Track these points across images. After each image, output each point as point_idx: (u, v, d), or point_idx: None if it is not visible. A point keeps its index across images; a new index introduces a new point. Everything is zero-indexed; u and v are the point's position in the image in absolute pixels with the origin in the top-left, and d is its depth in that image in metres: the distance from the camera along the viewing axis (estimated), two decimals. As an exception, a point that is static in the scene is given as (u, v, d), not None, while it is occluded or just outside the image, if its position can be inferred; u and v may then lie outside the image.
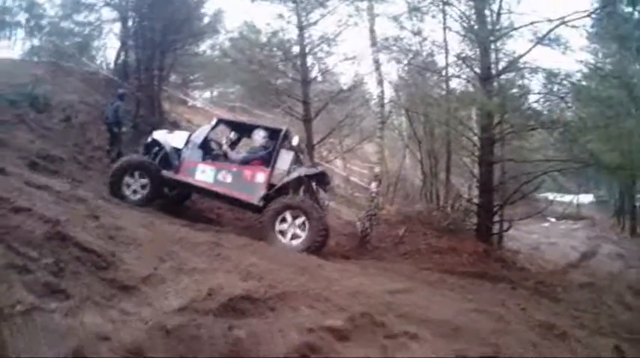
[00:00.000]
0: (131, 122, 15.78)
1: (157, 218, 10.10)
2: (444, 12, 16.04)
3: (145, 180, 11.59)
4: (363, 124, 22.16)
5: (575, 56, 17.93)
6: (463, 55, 15.71)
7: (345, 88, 19.94)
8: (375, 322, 5.75)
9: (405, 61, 18.45)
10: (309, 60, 18.34)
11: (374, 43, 14.86)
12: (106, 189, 11.72)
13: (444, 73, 17.52)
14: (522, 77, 15.22)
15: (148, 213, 10.58)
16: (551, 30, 14.01)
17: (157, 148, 12.25)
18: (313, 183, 11.85)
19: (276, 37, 17.97)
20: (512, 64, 15.01)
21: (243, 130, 12.90)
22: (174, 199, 12.94)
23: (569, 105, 14.72)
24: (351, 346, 5.13)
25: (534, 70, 14.49)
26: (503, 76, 15.34)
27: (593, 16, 15.17)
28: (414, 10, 15.67)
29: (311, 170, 12.33)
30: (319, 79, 20.12)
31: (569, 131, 13.98)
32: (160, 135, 12.68)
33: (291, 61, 17.90)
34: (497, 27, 14.73)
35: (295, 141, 12.06)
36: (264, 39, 19.01)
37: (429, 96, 17.01)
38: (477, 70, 15.07)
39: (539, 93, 14.91)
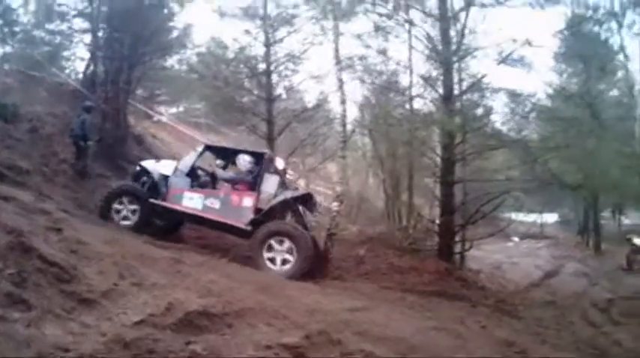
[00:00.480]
0: (96, 136, 15.69)
1: (119, 234, 10.15)
2: (409, 32, 16.21)
3: (134, 206, 11.77)
4: (326, 144, 22.13)
5: (540, 76, 18.15)
6: (427, 75, 15.89)
7: (309, 106, 20.10)
8: (332, 340, 5.78)
9: (369, 81, 18.59)
10: (274, 77, 18.52)
11: (338, 62, 14.98)
12: (70, 203, 11.77)
13: (407, 93, 17.66)
14: (484, 97, 15.45)
15: (111, 229, 10.62)
16: (514, 50, 14.26)
17: (145, 177, 12.43)
18: (299, 205, 12.04)
19: (242, 53, 18.07)
20: (475, 85, 15.22)
21: (229, 156, 12.98)
22: (164, 229, 12.85)
23: (532, 124, 14.95)
24: (306, 363, 5.19)
25: (496, 90, 14.76)
26: (465, 96, 15.53)
27: (560, 36, 15.40)
28: (378, 29, 15.80)
29: (296, 192, 12.75)
30: (284, 96, 20.23)
31: (530, 150, 14.19)
32: (148, 163, 12.92)
33: (256, 77, 18.02)
34: (462, 47, 14.90)
35: (280, 164, 12.42)
36: (231, 55, 19.10)
37: (391, 116, 17.11)
38: (440, 91, 15.24)
39: (501, 113, 15.17)
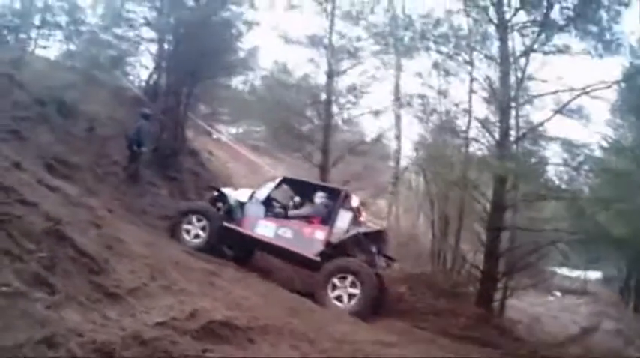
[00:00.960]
0: (152, 144, 15.91)
1: (160, 239, 10.24)
2: (470, 74, 16.09)
3: (203, 224, 11.84)
4: (379, 179, 21.99)
5: (596, 129, 17.73)
6: (483, 118, 15.74)
7: (366, 140, 19.95)
8: None
9: (427, 120, 18.47)
10: (334, 108, 18.52)
11: (397, 98, 15.01)
12: (116, 204, 11.93)
13: (462, 135, 17.50)
14: (539, 145, 15.24)
15: (152, 233, 10.72)
16: (571, 100, 14.03)
17: (221, 202, 12.58)
18: (371, 243, 11.99)
19: (305, 80, 18.20)
20: (531, 132, 15.03)
21: (305, 189, 13.14)
22: (233, 259, 12.61)
23: (582, 177, 14.65)
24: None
25: (551, 139, 14.53)
26: (520, 143, 15.32)
27: (616, 87, 15.05)
28: (437, 66, 15.75)
29: (367, 229, 12.63)
30: (342, 128, 20.29)
31: (579, 203, 13.89)
32: (226, 189, 13.18)
33: (316, 106, 18.05)
34: (520, 93, 14.75)
35: (355, 202, 12.37)
36: (293, 81, 19.25)
37: (446, 157, 16.97)
38: (496, 135, 15.07)
39: (554, 163, 14.90)
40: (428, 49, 15.39)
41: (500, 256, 14.98)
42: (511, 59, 14.69)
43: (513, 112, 15.13)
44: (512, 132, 15.05)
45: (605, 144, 15.66)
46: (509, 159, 13.94)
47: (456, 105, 17.40)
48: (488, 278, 14.68)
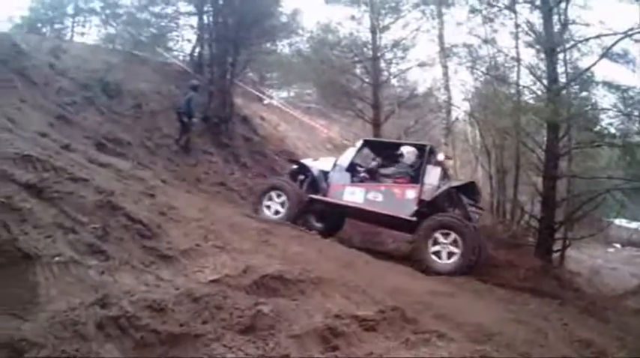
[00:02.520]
0: (202, 114, 16.12)
1: (214, 204, 10.39)
2: (515, 22, 15.80)
3: (282, 198, 11.90)
4: (432, 132, 21.83)
5: None
6: (532, 65, 15.46)
7: (415, 93, 19.81)
8: (407, 318, 5.70)
9: (477, 70, 18.23)
10: (381, 63, 18.38)
11: (442, 49, 14.83)
12: (170, 175, 12.18)
13: (513, 84, 17.24)
14: (587, 90, 14.94)
15: (207, 199, 10.88)
16: (614, 44, 13.67)
17: (303, 174, 12.66)
18: (462, 196, 11.86)
19: (348, 38, 18.12)
20: (579, 77, 14.74)
21: (387, 149, 12.85)
22: (323, 231, 12.41)
23: (635, 122, 14.32)
24: (376, 336, 5.13)
25: (599, 84, 14.22)
26: (571, 90, 15.03)
27: None
28: (474, 11, 15.50)
29: (459, 182, 12.73)
30: (391, 83, 20.18)
31: (629, 147, 13.60)
32: (306, 161, 13.31)
33: (362, 63, 17.95)
34: (564, 38, 14.44)
35: (441, 156, 12.28)
36: (337, 40, 19.18)
37: (497, 106, 16.76)
38: (544, 81, 14.80)
39: (605, 109, 14.59)
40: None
41: (557, 205, 14.80)
42: (552, 2, 14.36)
43: (561, 58, 14.90)
44: (562, 79, 14.82)
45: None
46: (558, 105, 13.69)
47: (501, 52, 17.15)
48: (546, 228, 14.51)
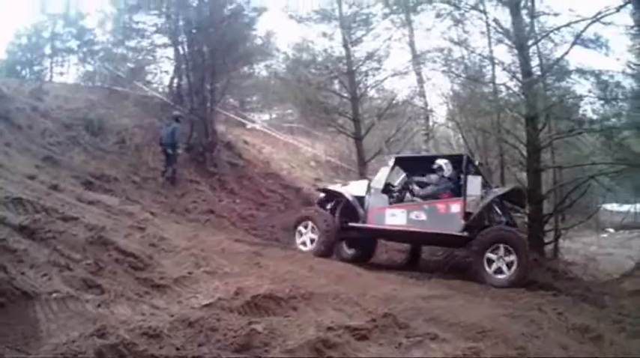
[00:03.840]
0: (185, 144, 16.25)
1: (204, 232, 10.52)
2: (486, 21, 15.97)
3: (314, 229, 11.61)
4: (414, 139, 21.92)
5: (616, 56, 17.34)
6: (509, 63, 15.64)
7: (393, 103, 19.88)
8: (399, 323, 5.81)
9: (451, 73, 18.39)
10: (357, 77, 18.56)
11: (414, 56, 15.01)
12: (160, 207, 12.29)
13: (489, 82, 17.41)
14: (562, 80, 15.09)
15: (196, 228, 11.01)
16: (584, 30, 13.84)
17: (333, 201, 12.37)
18: (505, 202, 11.69)
19: (322, 55, 18.30)
20: (551, 68, 14.92)
21: (422, 164, 12.37)
22: (354, 258, 12.34)
23: (612, 105, 14.46)
24: (369, 344, 5.23)
25: (573, 71, 14.39)
26: (545, 81, 15.18)
27: (630, 12, 14.73)
28: (439, 16, 15.67)
29: (504, 189, 12.13)
30: (368, 95, 20.43)
31: (605, 131, 13.77)
32: (334, 187, 12.91)
33: (338, 78, 18.11)
34: (534, 29, 14.64)
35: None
36: (311, 57, 19.33)
37: (477, 107, 16.89)
38: (519, 76, 14.99)
39: (578, 96, 14.76)
40: (431, 1, 15.32)
41: (543, 198, 14.95)
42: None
43: (535, 51, 15.11)
44: (538, 72, 15.01)
45: (629, 71, 15.30)
46: (533, 98, 13.85)
47: (476, 53, 17.32)
48: (535, 220, 14.63)
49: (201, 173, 16.37)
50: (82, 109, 15.84)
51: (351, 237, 12.45)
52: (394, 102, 19.88)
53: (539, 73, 14.85)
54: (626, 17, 14.45)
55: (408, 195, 11.93)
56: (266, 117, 33.56)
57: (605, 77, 13.65)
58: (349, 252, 12.80)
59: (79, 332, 4.07)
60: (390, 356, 5.12)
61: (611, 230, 29.80)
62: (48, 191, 8.65)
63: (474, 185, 11.05)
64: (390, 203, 11.61)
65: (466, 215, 10.85)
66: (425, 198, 11.41)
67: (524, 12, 14.75)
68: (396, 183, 12.51)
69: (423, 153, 14.20)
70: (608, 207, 27.86)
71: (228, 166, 18.02)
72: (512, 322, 7.15)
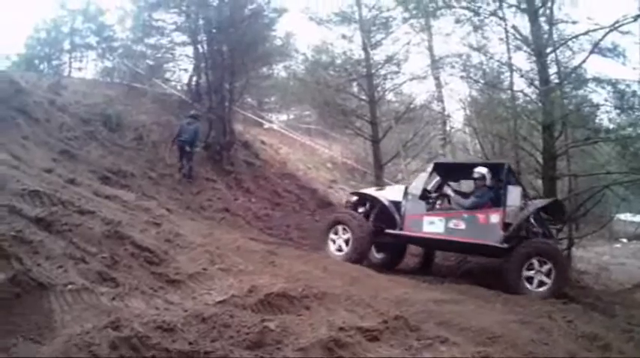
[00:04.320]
0: (203, 142, 16.32)
1: (219, 229, 10.58)
2: (505, 27, 15.95)
3: (347, 235, 11.22)
4: (432, 143, 21.84)
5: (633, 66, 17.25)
6: (527, 70, 15.60)
7: (411, 107, 19.83)
8: (410, 326, 5.83)
9: (470, 79, 18.35)
10: (376, 80, 18.55)
11: (432, 61, 15.02)
12: (175, 203, 12.37)
13: (507, 88, 17.38)
14: (580, 88, 15.04)
15: (211, 225, 11.06)
16: (602, 38, 13.79)
17: (366, 205, 11.99)
18: (547, 215, 11.73)
19: (341, 57, 18.31)
20: (569, 76, 14.87)
21: (462, 171, 12.44)
22: (383, 264, 12.22)
23: (629, 115, 14.38)
24: (380, 345, 5.27)
25: (586, 81, 14.32)
26: (562, 89, 15.13)
27: None
28: (459, 22, 15.65)
29: (544, 202, 11.88)
30: (386, 98, 20.39)
31: (623, 140, 13.71)
32: (369, 191, 12.57)
33: (357, 81, 18.11)
34: (553, 37, 14.60)
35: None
36: (330, 59, 19.30)
37: (493, 113, 16.85)
38: (537, 84, 14.96)
39: (596, 104, 14.71)
40: (450, 6, 15.31)
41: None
42: (537, 3, 14.54)
43: (553, 59, 15.08)
44: (556, 80, 14.97)
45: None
46: (550, 106, 13.82)
47: (494, 59, 17.30)
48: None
49: (218, 171, 16.43)
50: (100, 105, 15.94)
51: (381, 242, 12.05)
52: (412, 106, 19.85)
53: (556, 80, 14.83)
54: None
55: (447, 201, 11.79)
56: (284, 117, 33.64)
57: (621, 86, 13.59)
58: (378, 256, 12.51)
59: (92, 323, 4.14)
60: (400, 357, 5.15)
61: (625, 240, 29.55)
62: (65, 184, 8.74)
63: (513, 195, 10.81)
64: (427, 209, 11.29)
65: (505, 225, 10.62)
66: (466, 209, 11.06)
67: (542, 19, 14.74)
68: (429, 188, 12.13)
69: (463, 161, 13.71)
70: (622, 216, 27.57)
71: (245, 165, 18.08)
72: (522, 328, 7.11)
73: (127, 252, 5.72)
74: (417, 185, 11.47)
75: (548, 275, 10.22)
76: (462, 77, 18.16)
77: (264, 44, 20.00)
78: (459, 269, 13.22)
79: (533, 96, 15.43)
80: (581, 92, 15.20)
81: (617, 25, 13.34)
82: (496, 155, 19.19)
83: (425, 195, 11.41)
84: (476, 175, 11.27)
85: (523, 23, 14.99)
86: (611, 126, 14.58)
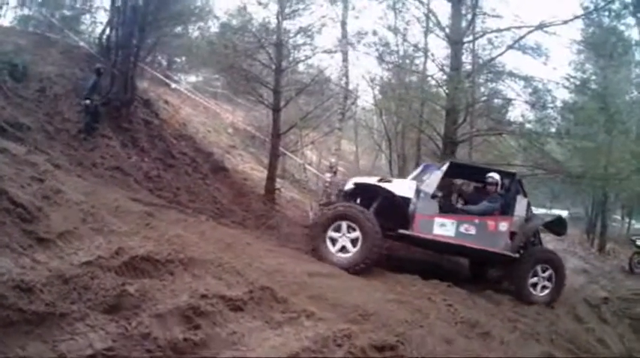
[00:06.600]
0: (104, 98, 15.97)
1: (104, 188, 10.46)
2: (424, 12, 16.27)
3: (356, 233, 10.01)
4: (332, 118, 21.85)
5: (557, 67, 17.85)
6: (437, 56, 15.95)
7: (316, 79, 19.99)
8: (277, 297, 5.97)
9: (380, 58, 18.53)
10: (286, 50, 18.54)
11: (344, 36, 15.16)
12: (67, 159, 12.12)
13: (419, 72, 17.70)
14: (493, 81, 15.48)
15: (97, 183, 10.87)
16: (524, 36, 14.25)
17: (362, 196, 11.11)
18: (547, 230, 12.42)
19: (251, 24, 18.15)
20: (483, 67, 15.26)
21: (475, 174, 12.38)
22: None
23: (538, 112, 14.86)
24: (242, 316, 5.39)
25: (500, 74, 14.77)
26: (475, 79, 15.51)
27: (580, 27, 15.24)
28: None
29: (550, 217, 12.75)
30: (297, 69, 20.53)
31: (530, 136, 14.19)
32: (370, 180, 11.37)
33: (265, 48, 18.04)
34: (474, 28, 15.02)
35: None
36: (240, 24, 19.24)
37: (401, 96, 17.09)
38: (447, 69, 15.28)
39: (505, 98, 15.17)
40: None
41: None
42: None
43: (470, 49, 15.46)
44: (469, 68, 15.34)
45: (567, 84, 15.68)
46: (456, 93, 14.14)
47: (409, 42, 17.58)
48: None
49: (115, 129, 15.93)
50: (10, 54, 15.34)
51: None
52: (317, 78, 19.97)
53: (469, 69, 15.23)
54: (572, 31, 14.98)
55: (451, 200, 12.20)
56: (192, 79, 33.12)
57: (536, 83, 14.12)
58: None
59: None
60: (261, 330, 5.27)
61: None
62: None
63: (521, 206, 11.21)
64: (441, 211, 10.91)
65: (512, 235, 10.97)
66: (478, 214, 10.98)
67: (465, 9, 15.05)
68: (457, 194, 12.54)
69: (478, 164, 13.64)
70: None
71: (143, 124, 17.60)
72: (398, 308, 7.34)
73: (1, 207, 5.56)
74: (431, 183, 10.94)
75: (549, 280, 11.01)
76: (375, 57, 18.42)
77: (182, 3, 19.68)
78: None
79: (442, 82, 15.83)
80: (494, 85, 15.69)
81: (542, 25, 13.88)
82: (398, 136, 19.64)
83: (434, 195, 10.87)
84: (489, 180, 11.36)
85: (446, 10, 15.32)
86: (514, 119, 15.14)
